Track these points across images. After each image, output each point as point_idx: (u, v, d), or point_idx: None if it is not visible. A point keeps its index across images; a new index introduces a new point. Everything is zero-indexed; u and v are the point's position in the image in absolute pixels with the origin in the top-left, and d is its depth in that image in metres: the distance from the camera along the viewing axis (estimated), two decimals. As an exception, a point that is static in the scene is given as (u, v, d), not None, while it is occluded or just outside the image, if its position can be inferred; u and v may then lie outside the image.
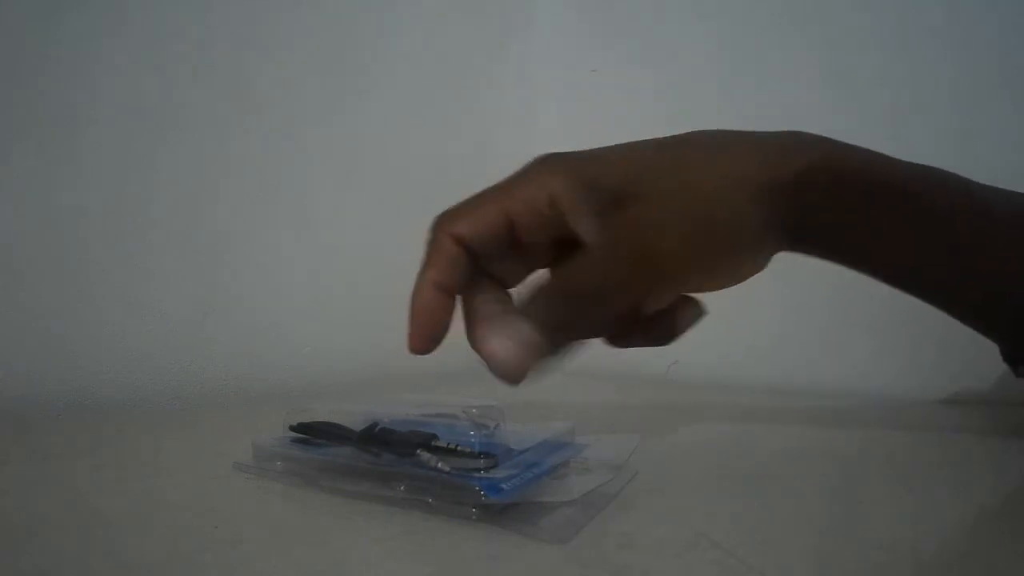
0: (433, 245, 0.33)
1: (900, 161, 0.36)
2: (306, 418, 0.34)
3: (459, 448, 0.30)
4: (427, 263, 0.33)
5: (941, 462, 0.39)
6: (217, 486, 0.32)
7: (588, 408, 0.52)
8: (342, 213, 0.64)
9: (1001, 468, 0.38)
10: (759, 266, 0.36)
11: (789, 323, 0.65)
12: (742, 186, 0.33)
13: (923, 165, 0.36)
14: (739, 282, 0.36)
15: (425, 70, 0.72)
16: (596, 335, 0.34)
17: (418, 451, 0.30)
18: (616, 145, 0.34)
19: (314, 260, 0.63)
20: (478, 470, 0.29)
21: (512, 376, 0.29)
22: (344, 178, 0.66)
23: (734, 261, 0.34)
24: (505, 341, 0.29)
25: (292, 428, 0.34)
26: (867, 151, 0.36)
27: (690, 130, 0.35)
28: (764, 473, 0.36)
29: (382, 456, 0.31)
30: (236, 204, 0.60)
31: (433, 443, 0.30)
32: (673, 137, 0.34)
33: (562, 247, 0.33)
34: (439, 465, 0.29)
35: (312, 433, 0.34)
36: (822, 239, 0.36)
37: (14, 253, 0.50)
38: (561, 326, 0.30)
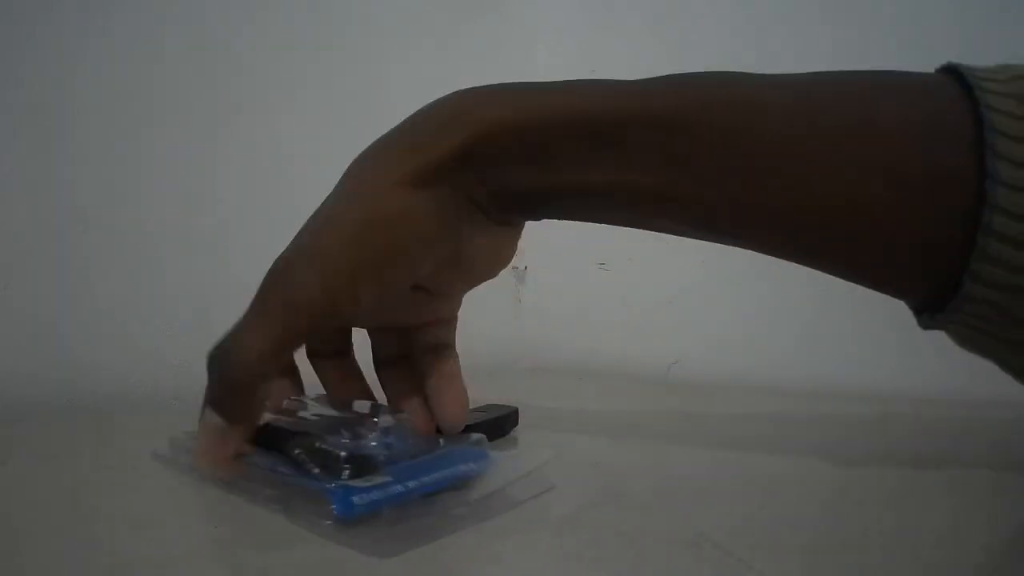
0: None
1: (636, 90, 0.31)
2: None
3: (331, 451, 0.29)
4: None
5: (945, 464, 0.39)
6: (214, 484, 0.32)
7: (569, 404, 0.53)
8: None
9: (1008, 471, 0.38)
10: (497, 247, 0.35)
11: (791, 321, 0.65)
12: (383, 190, 0.31)
13: (677, 83, 0.31)
14: (493, 269, 0.36)
15: (425, 70, 0.72)
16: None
17: (296, 451, 0.29)
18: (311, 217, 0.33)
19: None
20: (340, 475, 0.28)
21: (214, 464, 0.30)
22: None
23: (426, 258, 0.32)
24: (202, 437, 0.30)
25: None
26: (574, 92, 0.32)
27: None
28: (763, 474, 0.36)
29: (276, 455, 0.30)
30: (237, 201, 0.60)
31: (318, 444, 0.29)
32: (341, 177, 0.34)
33: None
34: (311, 468, 0.29)
35: None
36: (541, 201, 0.33)
37: (13, 253, 0.50)
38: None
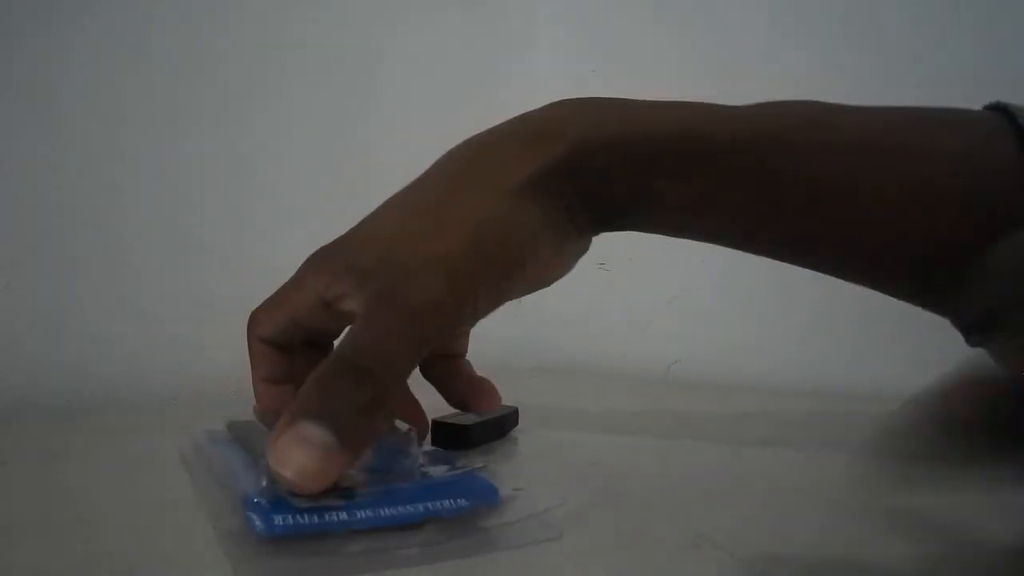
0: (249, 346, 0.34)
1: (729, 112, 0.32)
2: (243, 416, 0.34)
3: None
4: (251, 362, 0.35)
5: (945, 463, 0.39)
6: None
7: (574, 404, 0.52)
8: (340, 213, 0.64)
9: (1009, 470, 0.38)
10: (569, 260, 0.35)
11: (792, 322, 0.65)
12: (495, 196, 0.31)
13: (768, 108, 0.33)
14: (554, 280, 0.35)
15: (424, 69, 0.72)
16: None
17: (263, 459, 0.26)
18: (376, 215, 0.33)
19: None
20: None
21: (314, 487, 0.24)
22: (343, 177, 0.66)
23: (526, 268, 0.32)
24: (293, 453, 0.24)
25: (227, 426, 0.35)
26: (673, 110, 0.33)
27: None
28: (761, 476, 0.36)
29: (249, 456, 0.28)
30: (231, 204, 0.60)
31: None
32: (429, 177, 0.33)
33: None
34: (262, 478, 0.25)
35: (234, 432, 0.34)
36: (637, 215, 0.33)
37: (10, 256, 0.50)
38: (354, 408, 0.26)
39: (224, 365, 0.58)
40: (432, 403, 0.38)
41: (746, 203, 0.32)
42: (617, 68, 0.78)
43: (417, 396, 0.37)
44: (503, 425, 0.41)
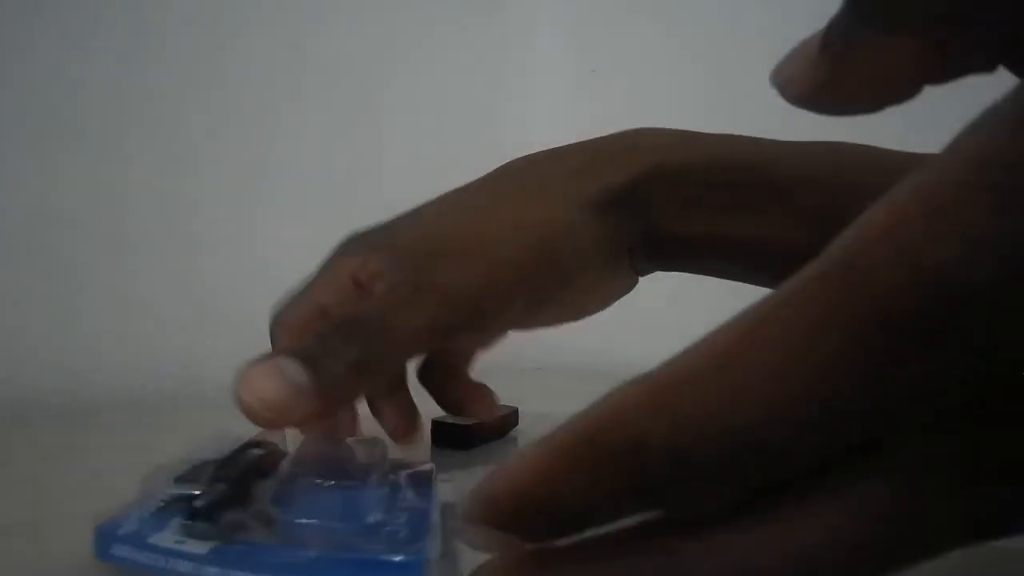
0: (272, 340, 0.32)
1: (789, 148, 0.32)
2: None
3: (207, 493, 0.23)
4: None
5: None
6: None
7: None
8: (340, 209, 0.64)
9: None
10: (611, 293, 0.34)
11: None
12: (554, 200, 0.30)
13: (819, 146, 0.32)
14: (586, 314, 0.34)
15: (425, 70, 0.72)
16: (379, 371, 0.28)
17: (216, 480, 0.24)
18: (420, 206, 0.32)
19: (313, 259, 0.63)
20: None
21: (271, 420, 0.24)
22: (343, 174, 0.66)
23: (570, 283, 0.31)
24: (262, 379, 0.24)
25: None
26: (736, 143, 0.32)
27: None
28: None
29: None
30: (232, 202, 0.60)
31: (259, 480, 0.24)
32: (483, 179, 0.33)
33: None
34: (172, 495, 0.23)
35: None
36: (697, 246, 0.33)
37: (11, 255, 0.50)
38: (341, 363, 0.25)
39: (225, 366, 0.58)
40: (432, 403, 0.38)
41: (798, 244, 0.31)
42: (617, 68, 0.78)
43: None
44: (503, 425, 0.41)
